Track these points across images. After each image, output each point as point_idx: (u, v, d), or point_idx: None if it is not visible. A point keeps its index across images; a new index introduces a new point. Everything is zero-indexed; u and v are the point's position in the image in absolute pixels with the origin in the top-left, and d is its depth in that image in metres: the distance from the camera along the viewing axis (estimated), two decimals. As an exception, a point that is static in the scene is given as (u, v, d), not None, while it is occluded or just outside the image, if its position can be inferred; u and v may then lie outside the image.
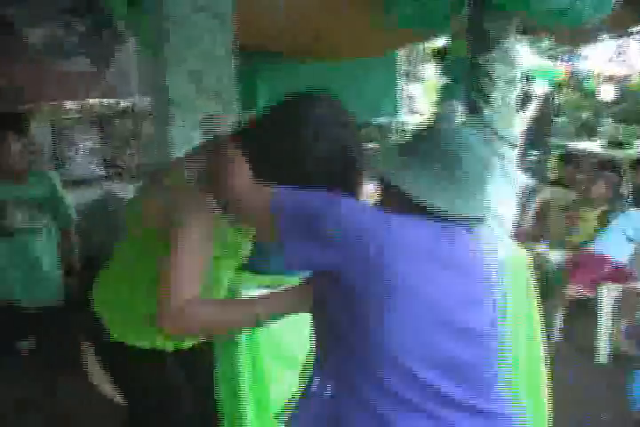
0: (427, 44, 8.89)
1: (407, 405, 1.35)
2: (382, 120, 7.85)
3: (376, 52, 7.28)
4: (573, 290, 4.39)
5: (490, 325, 1.47)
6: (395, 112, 8.23)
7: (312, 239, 1.34)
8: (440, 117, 1.73)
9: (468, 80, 2.42)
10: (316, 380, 1.46)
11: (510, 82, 2.36)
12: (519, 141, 2.42)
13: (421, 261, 1.33)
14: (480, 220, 1.43)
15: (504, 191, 2.38)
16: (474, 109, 2.41)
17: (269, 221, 1.39)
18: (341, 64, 7.60)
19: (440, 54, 7.37)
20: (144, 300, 1.86)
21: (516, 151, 2.42)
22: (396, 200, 1.41)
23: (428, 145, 1.42)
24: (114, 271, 2.01)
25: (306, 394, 1.50)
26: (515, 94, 2.40)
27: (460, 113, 6.87)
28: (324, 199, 1.37)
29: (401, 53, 8.93)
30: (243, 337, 2.47)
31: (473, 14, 2.39)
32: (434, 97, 8.72)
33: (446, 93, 7.19)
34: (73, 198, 5.12)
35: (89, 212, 5.58)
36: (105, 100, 6.55)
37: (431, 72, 9.59)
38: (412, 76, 9.91)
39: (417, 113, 9.52)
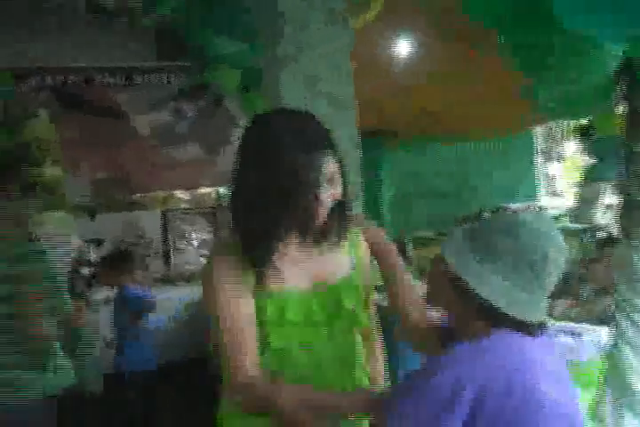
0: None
1: None
2: (520, 204, 7.43)
3: (503, 132, 6.87)
4: None
5: None
6: (533, 195, 7.90)
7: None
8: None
9: (627, 173, 2.02)
10: None
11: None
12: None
13: None
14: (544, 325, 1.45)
15: None
16: (632, 207, 2.00)
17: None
18: (472, 144, 7.35)
19: (584, 131, 7.01)
20: None
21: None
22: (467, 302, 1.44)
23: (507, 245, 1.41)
24: None
25: None
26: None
27: (605, 195, 6.28)
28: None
29: (538, 130, 8.60)
30: None
31: (628, 97, 2.01)
32: (576, 177, 8.28)
33: (592, 174, 6.73)
34: (182, 295, 4.85)
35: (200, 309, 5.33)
36: (217, 188, 6.44)
37: (572, 150, 9.18)
38: (551, 155, 9.56)
39: (557, 195, 9.10)
